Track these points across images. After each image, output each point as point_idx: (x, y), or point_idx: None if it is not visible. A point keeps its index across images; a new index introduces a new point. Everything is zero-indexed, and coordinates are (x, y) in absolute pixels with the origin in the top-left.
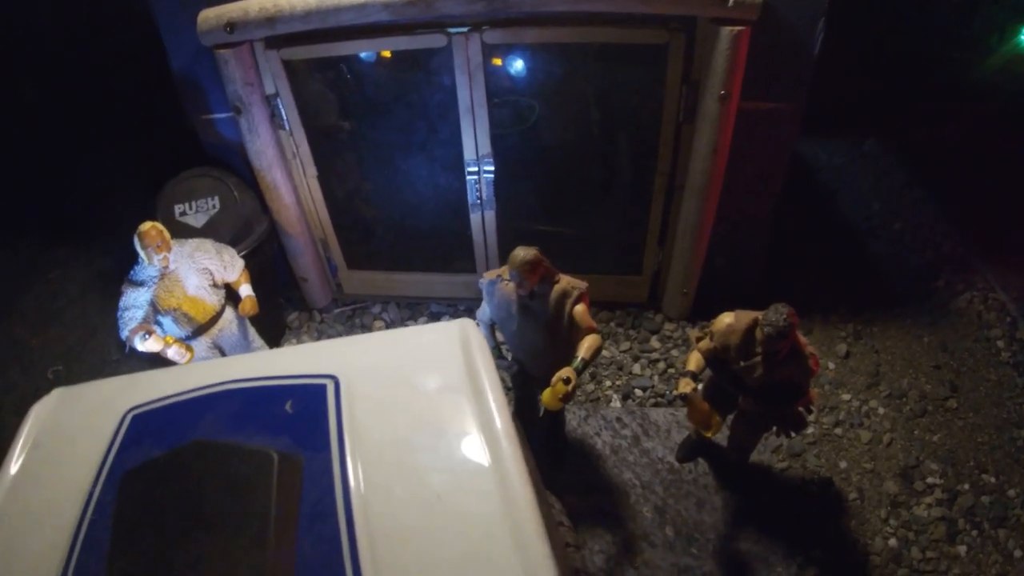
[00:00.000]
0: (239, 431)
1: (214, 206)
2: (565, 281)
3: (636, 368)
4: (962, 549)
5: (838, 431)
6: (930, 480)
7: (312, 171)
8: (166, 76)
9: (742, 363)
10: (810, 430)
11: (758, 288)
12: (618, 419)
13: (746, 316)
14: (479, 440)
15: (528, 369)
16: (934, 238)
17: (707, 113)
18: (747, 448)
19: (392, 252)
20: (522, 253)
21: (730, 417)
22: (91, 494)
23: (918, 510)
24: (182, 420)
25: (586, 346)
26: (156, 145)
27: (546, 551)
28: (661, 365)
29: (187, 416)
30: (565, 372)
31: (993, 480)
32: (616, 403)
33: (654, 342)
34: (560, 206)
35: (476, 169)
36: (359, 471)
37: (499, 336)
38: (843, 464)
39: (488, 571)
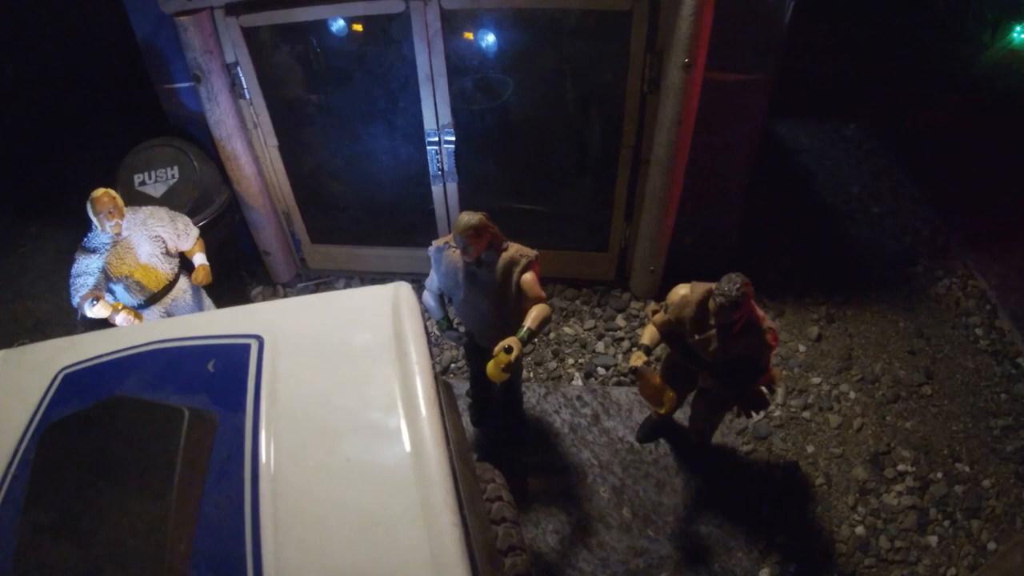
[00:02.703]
0: (162, 388)
1: (173, 176)
2: (514, 249)
3: (600, 346)
4: (933, 539)
5: (806, 415)
6: (901, 467)
7: (273, 141)
8: (132, 45)
9: (697, 336)
10: (777, 412)
11: (730, 267)
12: (579, 397)
13: (701, 287)
14: (397, 403)
15: (478, 340)
16: (914, 223)
17: (671, 83)
18: (708, 428)
19: (356, 226)
20: (467, 217)
21: (692, 396)
22: (18, 449)
23: (888, 498)
24: (110, 378)
25: (533, 315)
26: (125, 115)
27: (453, 518)
28: (626, 344)
29: (115, 374)
30: (507, 341)
31: (967, 469)
32: (578, 381)
33: (619, 320)
34: (525, 180)
35: (436, 139)
36: (271, 430)
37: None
38: (810, 448)
39: (391, 535)
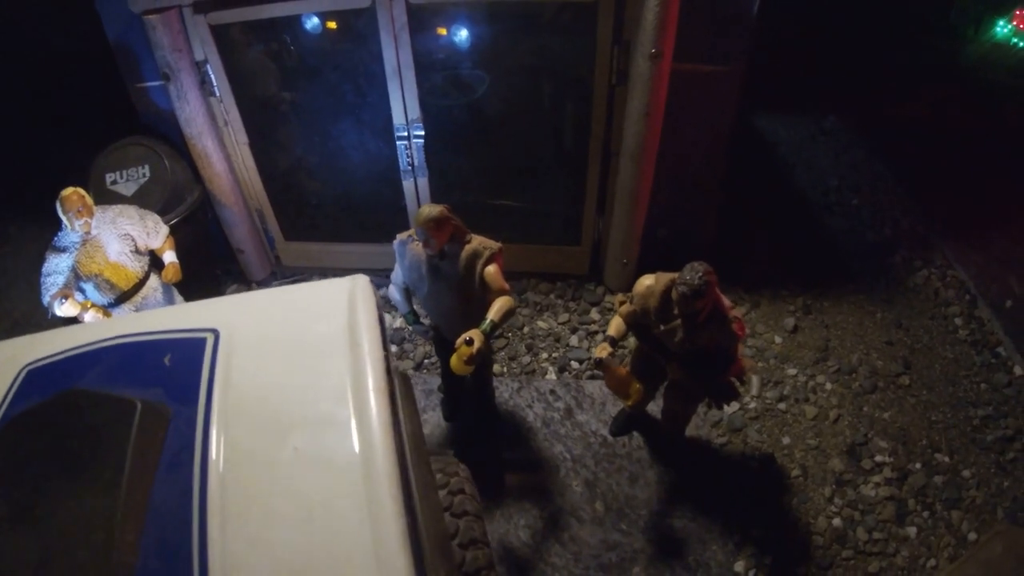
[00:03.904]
0: (121, 382)
1: (144, 175)
2: (477, 241)
3: (573, 340)
4: (912, 531)
5: (782, 406)
6: (879, 458)
7: (243, 138)
8: (105, 44)
9: (662, 326)
10: (752, 404)
11: (706, 260)
12: (552, 391)
13: (666, 277)
14: (347, 395)
15: (444, 333)
16: (893, 214)
17: (639, 73)
18: (681, 421)
19: (329, 223)
20: (427, 210)
21: (664, 389)
22: None
23: (865, 489)
24: (72, 373)
25: (496, 308)
26: (100, 115)
27: (397, 509)
28: (599, 337)
29: (77, 369)
30: (469, 333)
31: (947, 460)
32: (551, 375)
33: (594, 314)
34: (496, 174)
35: (406, 134)
36: (222, 422)
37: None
38: (786, 440)
39: (336, 525)
